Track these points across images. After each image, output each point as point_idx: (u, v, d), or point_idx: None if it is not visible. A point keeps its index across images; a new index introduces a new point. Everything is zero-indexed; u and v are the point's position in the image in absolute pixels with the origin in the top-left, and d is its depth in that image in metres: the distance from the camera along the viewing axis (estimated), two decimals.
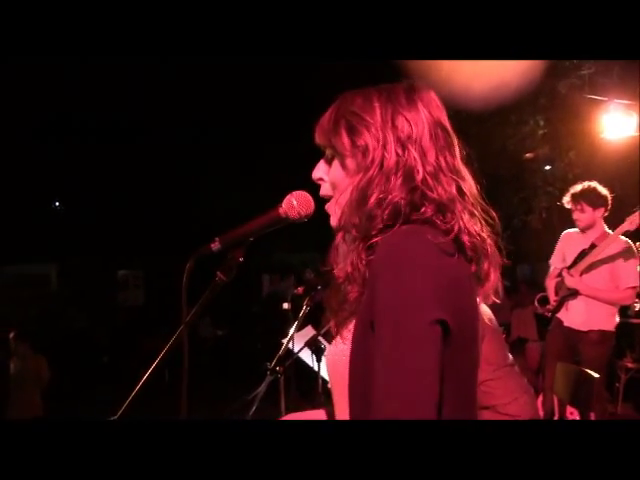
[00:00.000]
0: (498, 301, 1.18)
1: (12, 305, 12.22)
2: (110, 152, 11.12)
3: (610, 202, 4.34)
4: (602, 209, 4.32)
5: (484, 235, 1.12)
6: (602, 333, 4.26)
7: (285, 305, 3.21)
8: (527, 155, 8.49)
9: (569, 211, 4.40)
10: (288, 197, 1.28)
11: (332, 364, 1.17)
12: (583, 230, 4.38)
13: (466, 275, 1.08)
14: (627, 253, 4.20)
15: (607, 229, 4.33)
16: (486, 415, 2.26)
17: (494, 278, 1.13)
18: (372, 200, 1.08)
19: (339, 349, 1.13)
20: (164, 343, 1.29)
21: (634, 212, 4.06)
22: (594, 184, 4.35)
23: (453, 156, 1.13)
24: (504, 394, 2.50)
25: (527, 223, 8.62)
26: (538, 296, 4.83)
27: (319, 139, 1.21)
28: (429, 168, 1.09)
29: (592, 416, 3.17)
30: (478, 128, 7.58)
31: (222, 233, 1.33)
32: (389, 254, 1.01)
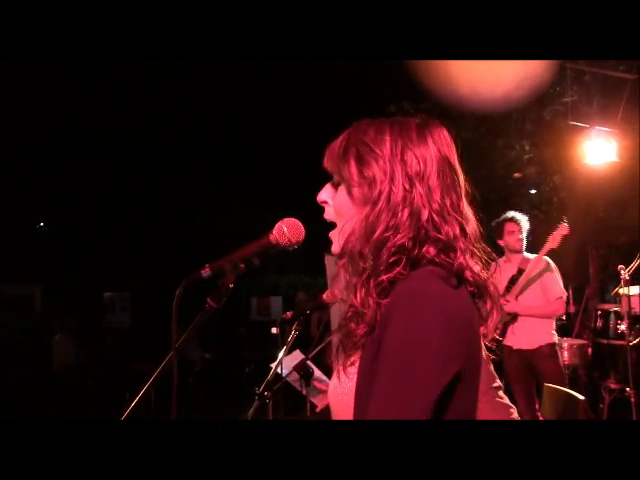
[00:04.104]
0: (500, 339, 1.20)
1: None
2: (97, 172, 11.10)
3: None
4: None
5: (485, 276, 1.14)
6: (551, 346, 4.58)
7: (274, 330, 3.21)
8: (515, 174, 8.59)
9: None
10: (279, 224, 1.29)
11: (338, 402, 1.16)
12: (518, 252, 4.71)
13: (475, 315, 1.09)
14: (549, 269, 4.64)
15: (525, 253, 4.76)
16: None
17: (496, 317, 1.15)
18: (378, 234, 1.09)
19: (347, 387, 1.13)
20: (151, 366, 1.29)
21: (556, 230, 4.53)
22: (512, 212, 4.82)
23: (459, 196, 1.14)
24: (494, 416, 2.54)
25: None
26: None
27: (328, 164, 1.20)
28: (435, 206, 1.09)
29: None
30: (468, 151, 7.66)
31: (212, 259, 1.33)
32: (406, 302, 1.01)
